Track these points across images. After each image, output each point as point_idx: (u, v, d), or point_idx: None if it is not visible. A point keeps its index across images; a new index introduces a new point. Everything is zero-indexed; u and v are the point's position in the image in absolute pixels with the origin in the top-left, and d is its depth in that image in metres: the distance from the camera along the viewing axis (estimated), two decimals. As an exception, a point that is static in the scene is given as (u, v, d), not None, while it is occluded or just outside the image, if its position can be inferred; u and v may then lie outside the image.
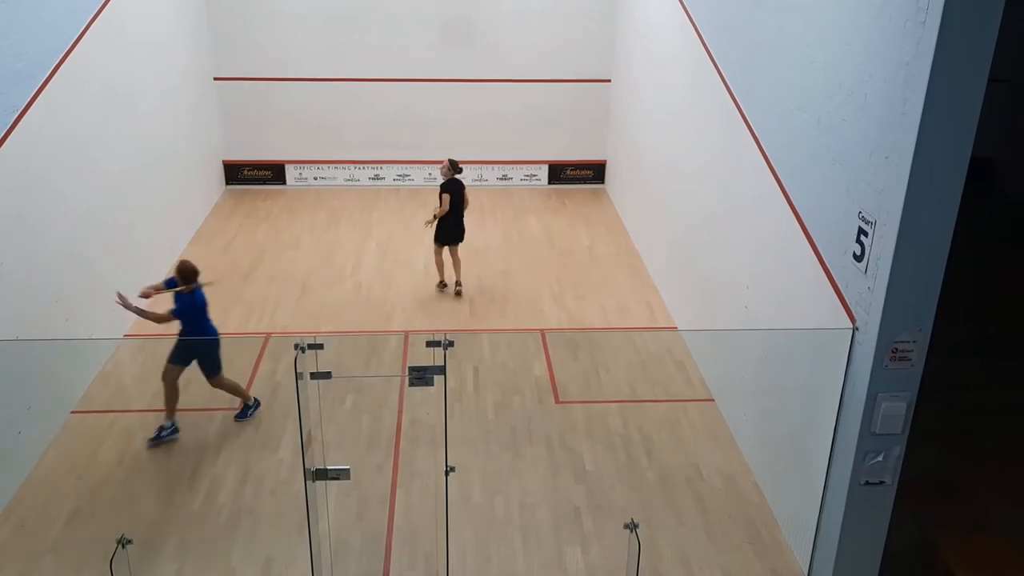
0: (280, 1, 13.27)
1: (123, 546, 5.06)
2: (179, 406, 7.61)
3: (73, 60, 8.34)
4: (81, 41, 8.56)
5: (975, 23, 4.50)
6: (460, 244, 10.63)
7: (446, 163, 10.37)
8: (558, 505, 6.91)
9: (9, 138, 7.14)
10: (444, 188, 10.32)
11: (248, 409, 7.96)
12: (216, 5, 13.13)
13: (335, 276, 10.98)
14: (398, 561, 6.33)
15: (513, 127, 14.24)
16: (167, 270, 10.89)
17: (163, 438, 7.56)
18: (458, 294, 10.52)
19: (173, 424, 7.64)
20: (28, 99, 7.50)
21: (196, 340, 7.46)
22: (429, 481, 7.07)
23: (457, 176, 10.38)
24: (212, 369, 7.64)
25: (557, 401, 8.36)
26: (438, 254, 10.60)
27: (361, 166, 14.37)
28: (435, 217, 10.39)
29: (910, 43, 4.77)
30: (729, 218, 8.05)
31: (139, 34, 10.30)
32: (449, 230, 10.46)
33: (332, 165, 14.33)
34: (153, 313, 7.35)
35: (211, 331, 7.64)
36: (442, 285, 10.66)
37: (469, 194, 10.61)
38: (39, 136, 7.65)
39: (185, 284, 7.37)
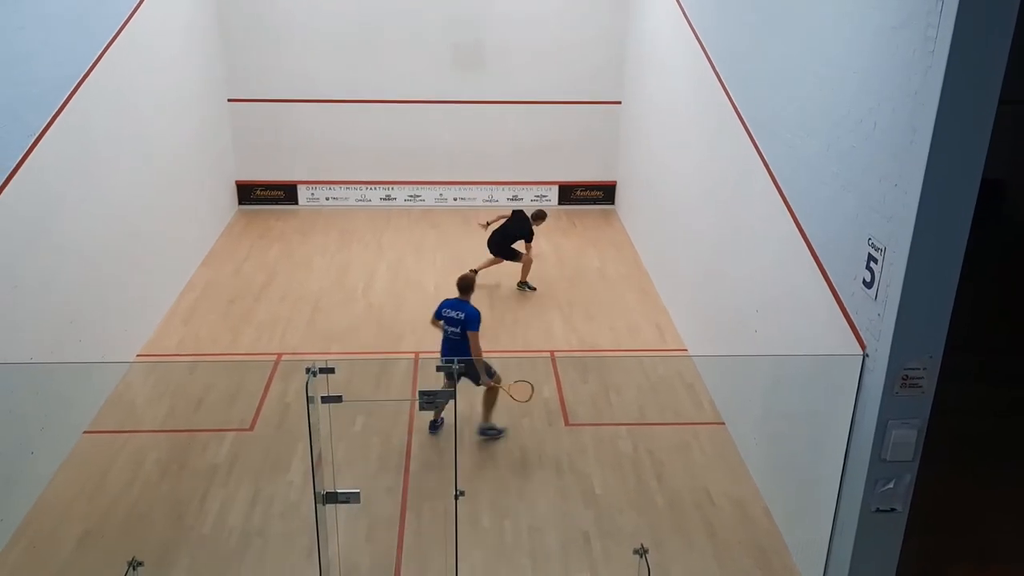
0: (293, 24, 13.42)
1: (133, 568, 5.10)
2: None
3: (88, 85, 8.45)
4: (96, 66, 8.67)
5: (984, 52, 4.52)
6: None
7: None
8: (567, 529, 6.90)
9: (26, 162, 7.24)
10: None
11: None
12: (229, 28, 13.29)
13: (346, 297, 11.03)
14: (407, 585, 6.34)
15: (524, 148, 14.32)
16: (180, 291, 11.01)
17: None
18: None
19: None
20: (45, 123, 7.61)
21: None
22: (438, 504, 7.07)
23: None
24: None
25: (567, 424, 8.36)
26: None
27: (372, 187, 14.47)
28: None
29: (918, 72, 4.79)
30: (739, 241, 8.06)
31: (153, 57, 10.43)
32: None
33: (344, 186, 14.43)
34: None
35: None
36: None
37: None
38: (54, 160, 7.75)
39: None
